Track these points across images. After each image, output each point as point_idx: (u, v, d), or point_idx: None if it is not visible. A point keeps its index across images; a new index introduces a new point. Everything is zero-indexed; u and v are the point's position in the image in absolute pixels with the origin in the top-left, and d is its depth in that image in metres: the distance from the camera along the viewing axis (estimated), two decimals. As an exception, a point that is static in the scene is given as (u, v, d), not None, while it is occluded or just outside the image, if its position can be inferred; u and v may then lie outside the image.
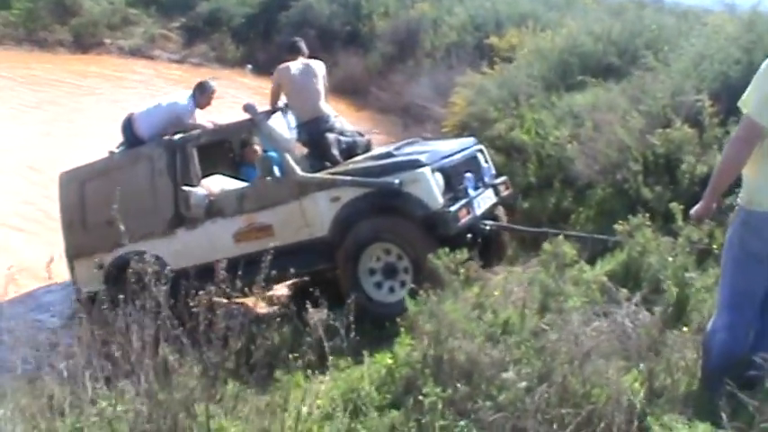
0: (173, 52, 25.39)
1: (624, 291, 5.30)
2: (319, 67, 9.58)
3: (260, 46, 24.78)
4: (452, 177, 8.40)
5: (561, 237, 6.22)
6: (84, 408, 4.26)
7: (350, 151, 9.24)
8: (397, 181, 8.03)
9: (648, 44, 11.25)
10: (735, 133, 4.47)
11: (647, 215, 6.95)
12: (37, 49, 25.09)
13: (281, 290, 10.29)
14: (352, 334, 5.63)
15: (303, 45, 9.71)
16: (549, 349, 4.40)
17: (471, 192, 8.54)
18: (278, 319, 5.08)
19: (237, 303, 9.49)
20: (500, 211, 9.39)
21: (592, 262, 7.11)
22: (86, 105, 18.72)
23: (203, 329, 4.67)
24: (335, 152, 9.04)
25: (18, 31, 25.61)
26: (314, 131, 9.17)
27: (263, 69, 22.23)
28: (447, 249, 6.14)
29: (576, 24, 13.80)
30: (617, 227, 6.84)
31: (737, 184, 4.53)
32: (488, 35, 16.87)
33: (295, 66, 9.37)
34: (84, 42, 25.71)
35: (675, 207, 6.51)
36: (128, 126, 9.91)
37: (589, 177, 9.30)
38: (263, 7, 26.01)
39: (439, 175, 8.18)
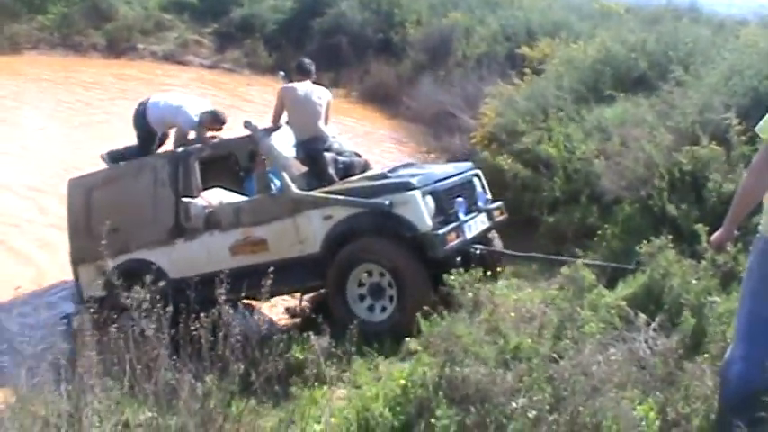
0: (205, 58, 25.41)
1: (643, 316, 5.19)
2: (324, 92, 9.80)
3: (292, 53, 24.62)
4: (444, 201, 8.53)
5: (580, 261, 6.07)
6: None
7: (346, 171, 9.40)
8: (387, 202, 8.20)
9: (681, 58, 11.08)
10: (753, 161, 4.35)
11: (672, 235, 6.82)
12: (71, 54, 25.22)
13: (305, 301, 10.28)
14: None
15: (312, 68, 9.93)
16: (561, 377, 4.29)
17: (462, 216, 8.67)
18: (283, 337, 4.96)
19: (256, 313, 9.60)
20: (494, 235, 9.52)
21: (613, 284, 6.98)
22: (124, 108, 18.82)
23: (208, 345, 4.61)
24: (332, 171, 9.21)
25: (53, 36, 25.73)
26: (312, 150, 9.35)
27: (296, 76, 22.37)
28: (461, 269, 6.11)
29: (609, 35, 13.62)
30: (640, 249, 6.69)
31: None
32: (520, 45, 16.72)
33: (301, 87, 9.57)
34: (117, 47, 25.79)
35: (701, 228, 6.36)
36: (141, 111, 10.32)
37: (615, 193, 9.14)
38: (295, 14, 26.00)
39: (430, 199, 8.33)
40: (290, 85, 9.64)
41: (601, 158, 9.76)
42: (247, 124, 9.26)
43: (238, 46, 25.84)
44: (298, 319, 9.82)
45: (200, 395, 4.28)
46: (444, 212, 8.45)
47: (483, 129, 12.86)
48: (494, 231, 9.49)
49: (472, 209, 9.02)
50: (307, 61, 10.08)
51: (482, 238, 9.05)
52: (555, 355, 4.69)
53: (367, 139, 18.05)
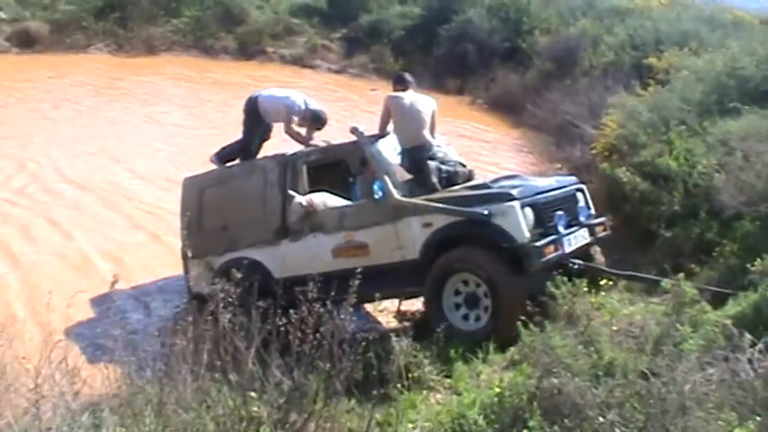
0: (333, 62, 25.69)
1: (749, 336, 5.02)
2: (429, 101, 9.79)
3: (419, 59, 24.82)
4: (543, 214, 8.46)
5: (682, 275, 5.91)
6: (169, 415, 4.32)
7: (450, 180, 9.36)
8: (485, 212, 8.17)
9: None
10: None
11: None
12: (203, 56, 25.93)
13: (416, 305, 10.30)
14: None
15: (411, 78, 10.01)
16: (651, 394, 4.19)
17: (561, 229, 8.57)
18: (363, 343, 4.98)
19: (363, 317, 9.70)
20: (596, 250, 9.38)
21: (723, 300, 6.77)
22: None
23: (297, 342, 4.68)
24: (435, 180, 9.18)
25: (186, 39, 26.48)
26: (416, 158, 9.34)
27: (422, 83, 22.31)
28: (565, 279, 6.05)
29: (738, 46, 13.23)
30: (752, 267, 6.48)
31: None
32: (647, 55, 16.39)
33: (406, 95, 9.61)
34: (247, 50, 26.36)
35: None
36: (252, 102, 10.70)
37: (735, 209, 8.87)
38: (423, 20, 26.06)
39: (529, 210, 8.27)
40: (396, 93, 9.70)
41: (722, 173, 9.48)
42: (354, 130, 9.35)
43: (365, 51, 26.05)
44: (407, 323, 9.85)
45: (286, 390, 4.34)
46: (543, 225, 8.39)
47: (604, 140, 12.66)
48: (596, 247, 9.35)
49: (573, 223, 8.93)
50: (406, 74, 10.30)
51: (583, 252, 8.92)
52: (648, 372, 4.57)
53: (490, 146, 18.04)
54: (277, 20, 27.41)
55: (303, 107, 10.47)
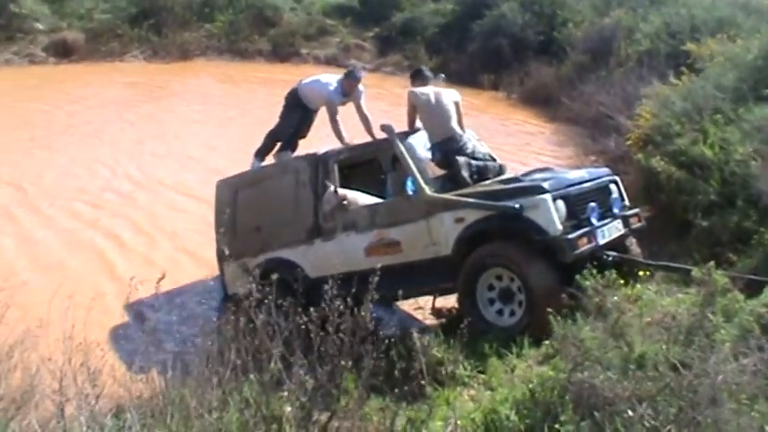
0: (367, 62, 25.67)
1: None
2: (453, 93, 9.74)
3: (453, 56, 24.84)
4: (575, 206, 8.36)
5: (712, 263, 5.77)
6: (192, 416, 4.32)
7: (481, 175, 9.29)
8: (517, 205, 8.07)
9: None
10: None
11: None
12: (237, 59, 26.15)
13: (452, 301, 10.27)
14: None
15: (429, 73, 10.05)
16: (682, 386, 4.11)
17: (595, 221, 8.47)
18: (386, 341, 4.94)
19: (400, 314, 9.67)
20: (631, 242, 9.22)
21: (758, 290, 6.63)
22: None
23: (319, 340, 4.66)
24: (465, 174, 9.09)
25: (220, 42, 26.78)
26: (446, 151, 9.28)
27: (456, 79, 22.31)
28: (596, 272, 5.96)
29: (775, 30, 13.03)
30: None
31: None
32: (684, 42, 16.19)
33: (428, 89, 9.56)
34: (281, 52, 26.56)
35: None
36: (293, 90, 11.05)
37: (773, 197, 8.73)
38: (456, 17, 26.09)
39: (561, 203, 8.17)
40: (418, 88, 9.63)
41: (758, 160, 9.33)
42: (384, 127, 9.33)
43: (399, 50, 26.12)
44: (443, 320, 9.81)
45: (309, 389, 4.32)
46: (576, 217, 8.29)
47: (638, 130, 12.53)
48: (631, 238, 9.20)
49: (606, 215, 8.81)
50: (424, 68, 10.43)
51: (617, 244, 8.77)
52: (678, 363, 4.48)
53: (525, 140, 17.95)
54: (310, 21, 27.61)
55: (339, 90, 10.63)
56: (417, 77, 9.86)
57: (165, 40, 26.44)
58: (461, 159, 9.17)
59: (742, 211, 9.35)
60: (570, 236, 8.00)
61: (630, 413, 4.08)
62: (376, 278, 5.24)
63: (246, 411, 4.38)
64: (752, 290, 6.66)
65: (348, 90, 10.62)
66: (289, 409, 4.28)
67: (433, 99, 9.43)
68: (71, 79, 23.44)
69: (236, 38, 26.82)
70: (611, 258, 8.41)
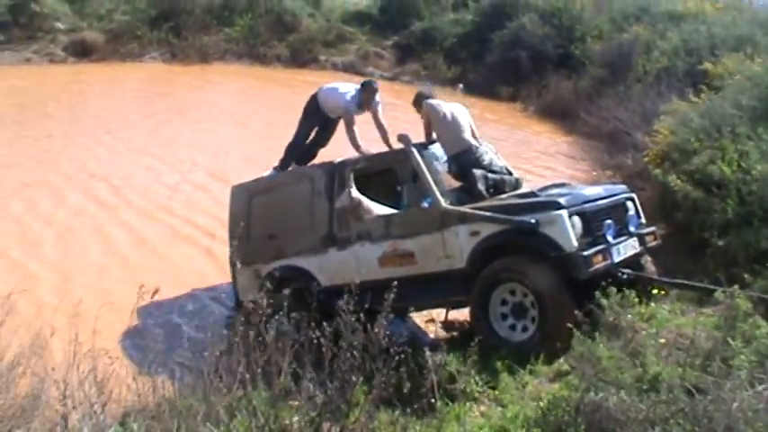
0: (385, 70, 25.73)
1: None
2: (463, 108, 9.85)
3: (471, 66, 24.85)
4: (591, 223, 8.29)
5: (737, 286, 5.70)
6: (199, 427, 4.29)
7: (497, 188, 9.29)
8: (533, 220, 8.03)
9: None
10: None
11: None
12: (256, 64, 26.21)
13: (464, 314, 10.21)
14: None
15: (430, 91, 10.29)
16: (700, 413, 4.05)
17: (610, 238, 8.41)
18: (396, 357, 4.90)
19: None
20: (646, 260, 9.13)
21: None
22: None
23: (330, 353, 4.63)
24: (482, 187, 9.10)
25: (239, 47, 26.83)
26: (462, 163, 9.32)
27: (475, 89, 22.37)
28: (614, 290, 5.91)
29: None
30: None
31: None
32: (702, 61, 16.11)
33: (442, 102, 9.70)
34: (299, 58, 26.60)
35: None
36: (312, 97, 10.98)
37: (791, 217, 8.64)
38: (476, 27, 26.04)
39: (577, 219, 8.11)
40: (432, 101, 9.71)
41: (777, 179, 9.24)
42: (401, 137, 9.33)
43: (418, 59, 26.11)
44: (455, 333, 9.76)
45: (318, 403, 4.28)
46: (592, 234, 8.22)
47: (656, 147, 12.46)
48: (647, 256, 9.12)
49: (623, 232, 8.76)
50: (424, 91, 10.36)
51: (633, 262, 8.71)
52: (692, 388, 4.42)
53: (542, 153, 17.89)
54: (329, 27, 27.64)
55: (357, 101, 10.62)
56: (421, 99, 9.91)
57: (184, 42, 26.60)
58: (478, 172, 9.17)
59: (759, 231, 9.24)
60: (585, 253, 7.93)
61: (643, 436, 4.03)
62: (392, 295, 5.20)
63: (254, 422, 4.34)
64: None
65: (366, 101, 10.60)
66: (296, 420, 4.24)
67: (448, 112, 9.50)
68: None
69: (255, 42, 26.89)
70: (625, 276, 8.35)
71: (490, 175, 9.28)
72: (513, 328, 8.28)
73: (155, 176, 15.51)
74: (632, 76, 19.10)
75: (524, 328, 8.19)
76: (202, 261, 11.80)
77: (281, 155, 11.05)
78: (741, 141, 10.61)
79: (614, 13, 24.07)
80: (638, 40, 20.50)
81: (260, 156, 14.71)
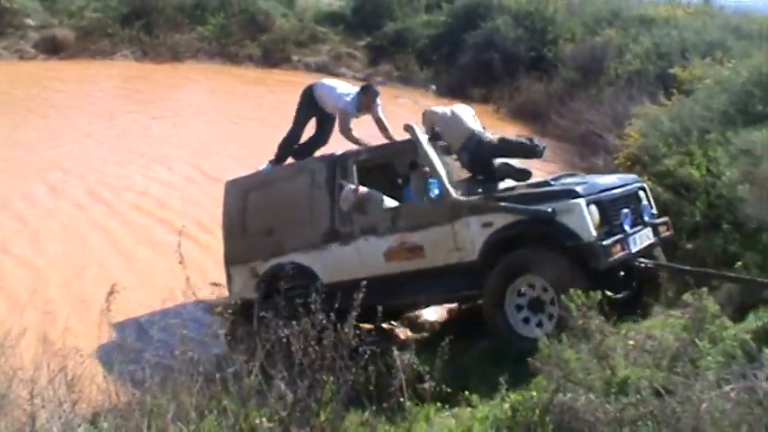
0: (357, 71, 25.68)
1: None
2: (466, 107, 9.64)
3: (444, 68, 24.91)
4: (609, 212, 8.02)
5: (705, 289, 5.72)
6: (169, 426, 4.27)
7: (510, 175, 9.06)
8: (550, 209, 7.78)
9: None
10: None
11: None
12: (228, 63, 26.10)
13: (432, 315, 10.22)
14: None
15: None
16: (665, 413, 4.07)
17: (627, 228, 8.17)
18: (365, 356, 4.89)
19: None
20: (659, 252, 8.93)
21: (743, 315, 6.62)
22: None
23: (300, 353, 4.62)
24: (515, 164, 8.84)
25: (211, 46, 26.69)
26: (472, 150, 8.96)
27: (447, 91, 22.44)
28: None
29: (764, 55, 13.06)
30: None
31: None
32: (673, 64, 16.26)
33: (439, 108, 9.50)
34: (271, 58, 26.52)
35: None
36: (307, 89, 10.54)
37: (759, 220, 8.70)
38: (448, 29, 26.06)
39: (594, 208, 7.84)
40: (431, 108, 9.57)
41: (746, 183, 9.30)
42: (408, 127, 8.95)
43: (390, 60, 26.10)
44: (425, 334, 9.77)
45: (289, 402, 4.26)
46: (609, 223, 7.98)
47: (627, 150, 12.55)
48: (659, 248, 8.93)
49: (638, 222, 8.53)
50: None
51: (647, 253, 8.50)
52: (661, 389, 4.45)
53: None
54: (302, 28, 27.56)
55: (356, 103, 10.16)
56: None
57: (155, 40, 26.39)
58: (499, 162, 8.90)
59: (728, 235, 9.32)
60: (605, 242, 7.71)
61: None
62: (361, 294, 5.16)
63: (224, 422, 4.33)
64: (737, 316, 6.65)
65: (366, 104, 10.22)
66: (266, 421, 4.22)
67: (448, 111, 9.30)
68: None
69: (227, 42, 26.78)
70: (644, 266, 8.25)
71: (506, 160, 8.97)
72: (526, 321, 8.04)
73: (132, 175, 15.38)
74: (604, 79, 19.26)
75: (539, 323, 7.91)
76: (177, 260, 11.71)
77: (264, 151, 10.75)
78: (710, 146, 10.70)
79: (586, 16, 24.16)
80: (610, 43, 20.65)
81: (241, 153, 14.74)
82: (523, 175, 9.12)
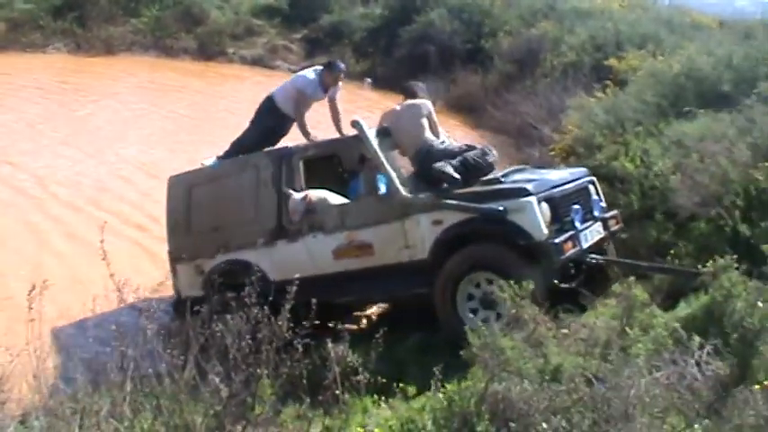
0: (293, 63, 25.46)
1: (697, 338, 4.97)
2: (422, 106, 9.27)
3: (380, 60, 24.81)
4: (560, 208, 8.07)
5: (633, 278, 5.80)
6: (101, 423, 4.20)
7: (468, 169, 8.66)
8: (501, 208, 7.77)
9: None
10: None
11: (745, 256, 6.53)
12: (163, 56, 25.74)
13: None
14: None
15: (414, 87, 9.75)
16: (596, 399, 4.12)
17: (578, 224, 8.20)
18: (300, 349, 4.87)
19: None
20: (609, 245, 9.03)
21: (674, 305, 6.73)
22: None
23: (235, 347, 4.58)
24: (450, 171, 8.47)
25: (146, 39, 26.23)
26: (420, 161, 8.84)
27: (383, 84, 22.38)
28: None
29: (695, 48, 13.27)
30: (702, 267, 6.41)
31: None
32: (608, 57, 16.44)
33: (398, 108, 9.31)
34: (207, 50, 26.15)
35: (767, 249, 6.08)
36: (267, 102, 10.20)
37: (691, 210, 8.85)
38: (384, 22, 25.99)
39: (545, 206, 7.87)
40: (388, 110, 9.47)
41: (678, 174, 9.45)
42: (355, 123, 8.83)
43: (326, 52, 25.81)
44: (361, 326, 9.75)
45: (224, 397, 4.23)
46: (560, 220, 8.02)
47: (562, 141, 12.65)
48: (609, 242, 9.00)
49: (587, 217, 8.56)
50: (411, 83, 10.14)
51: (597, 247, 8.55)
52: (592, 377, 4.50)
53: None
54: (237, 20, 27.23)
55: (318, 80, 9.92)
56: (405, 92, 9.62)
57: (89, 33, 25.85)
58: (438, 164, 8.59)
59: (660, 225, 9.44)
60: (556, 240, 7.72)
61: (545, 425, 4.08)
62: (294, 288, 5.11)
63: (158, 419, 4.27)
64: (668, 304, 6.75)
65: (329, 83, 9.96)
66: (200, 418, 4.18)
67: (401, 117, 9.12)
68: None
69: (162, 34, 26.33)
70: (594, 261, 8.28)
71: (453, 161, 8.66)
72: (485, 321, 7.65)
73: (79, 168, 15.14)
74: (540, 72, 19.30)
75: (498, 317, 7.70)
76: (118, 256, 11.53)
77: (208, 147, 10.59)
78: (642, 137, 10.84)
79: (523, 9, 24.26)
80: (546, 36, 20.75)
81: (186, 147, 14.57)
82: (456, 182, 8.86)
